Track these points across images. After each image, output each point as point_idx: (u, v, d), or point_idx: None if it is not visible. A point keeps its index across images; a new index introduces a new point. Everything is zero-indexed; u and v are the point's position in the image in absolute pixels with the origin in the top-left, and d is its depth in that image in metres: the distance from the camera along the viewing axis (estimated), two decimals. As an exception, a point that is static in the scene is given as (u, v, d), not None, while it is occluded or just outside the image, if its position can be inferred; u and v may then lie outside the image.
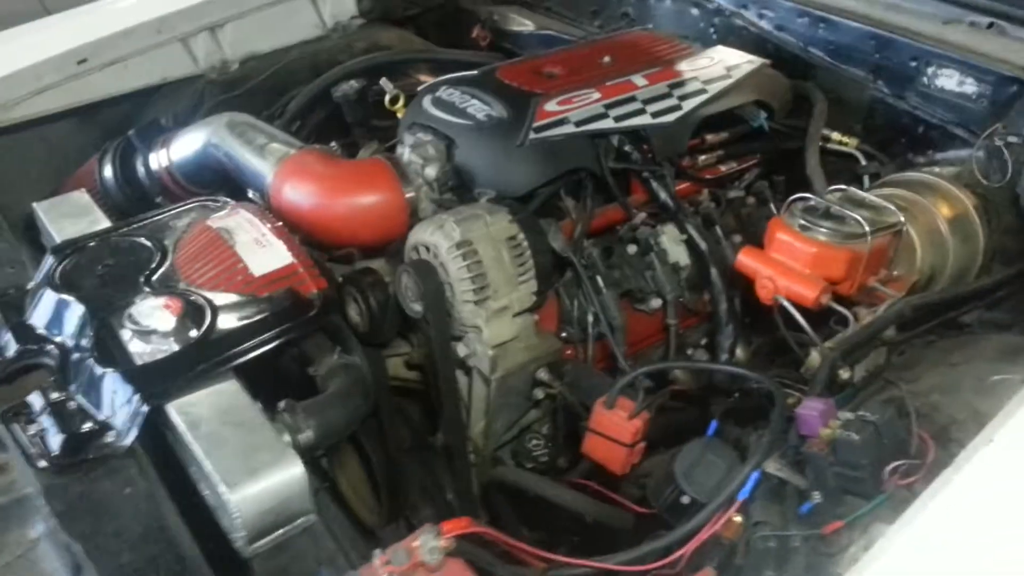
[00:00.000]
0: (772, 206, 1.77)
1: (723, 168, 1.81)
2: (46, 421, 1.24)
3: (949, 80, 1.72)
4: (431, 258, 1.41)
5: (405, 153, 1.60)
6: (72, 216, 1.62)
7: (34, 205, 1.66)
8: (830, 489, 1.11)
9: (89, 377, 1.26)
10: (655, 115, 1.66)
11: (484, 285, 1.39)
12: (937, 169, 1.67)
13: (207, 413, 1.19)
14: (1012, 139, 1.59)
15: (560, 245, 1.49)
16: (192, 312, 1.31)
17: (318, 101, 2.18)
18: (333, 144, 1.74)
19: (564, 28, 2.46)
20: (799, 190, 1.81)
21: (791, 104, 1.88)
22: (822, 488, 1.11)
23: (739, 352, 1.68)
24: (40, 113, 2.09)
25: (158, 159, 1.95)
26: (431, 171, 1.56)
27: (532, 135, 1.56)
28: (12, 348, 1.38)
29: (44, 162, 2.18)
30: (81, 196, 1.69)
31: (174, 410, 1.19)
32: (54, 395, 1.28)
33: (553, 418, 1.54)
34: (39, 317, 1.39)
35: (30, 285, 1.48)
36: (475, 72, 1.77)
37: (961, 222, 1.55)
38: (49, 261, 1.46)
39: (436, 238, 1.39)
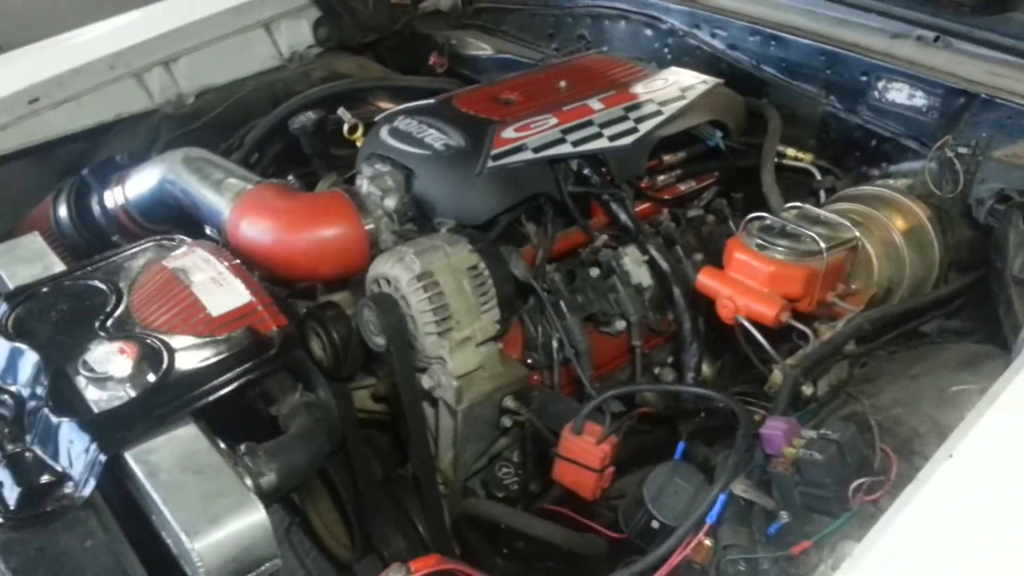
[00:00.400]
0: (731, 223, 1.79)
1: (682, 187, 1.83)
2: (2, 474, 1.21)
3: (899, 93, 1.76)
4: (392, 291, 1.40)
5: (364, 185, 1.59)
6: (25, 260, 1.59)
7: (-15, 250, 1.62)
8: (797, 508, 1.11)
9: (45, 427, 1.23)
10: (612, 138, 1.67)
11: (446, 316, 1.38)
12: (891, 182, 1.69)
13: (166, 460, 1.16)
14: (962, 150, 1.63)
15: (522, 272, 1.49)
16: (149, 356, 1.29)
17: (276, 132, 2.16)
18: (290, 177, 1.73)
19: (521, 51, 2.48)
20: (757, 206, 1.84)
21: (746, 122, 1.90)
22: (789, 507, 1.12)
23: (705, 370, 1.70)
24: (-4, 153, 2.06)
25: (113, 197, 1.93)
26: (390, 202, 1.55)
27: (490, 163, 1.56)
28: (-35, 400, 1.34)
29: (7, 202, 2.14)
30: (34, 239, 1.66)
31: (132, 458, 1.17)
32: (9, 447, 1.25)
33: (522, 445, 1.53)
34: (-8, 366, 1.36)
35: (-18, 334, 1.44)
36: (431, 101, 1.77)
37: (916, 234, 1.57)
38: (1, 308, 1.43)
39: (396, 271, 1.38)
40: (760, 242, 1.41)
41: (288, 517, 2.08)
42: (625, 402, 1.68)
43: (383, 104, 2.28)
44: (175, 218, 1.89)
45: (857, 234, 1.45)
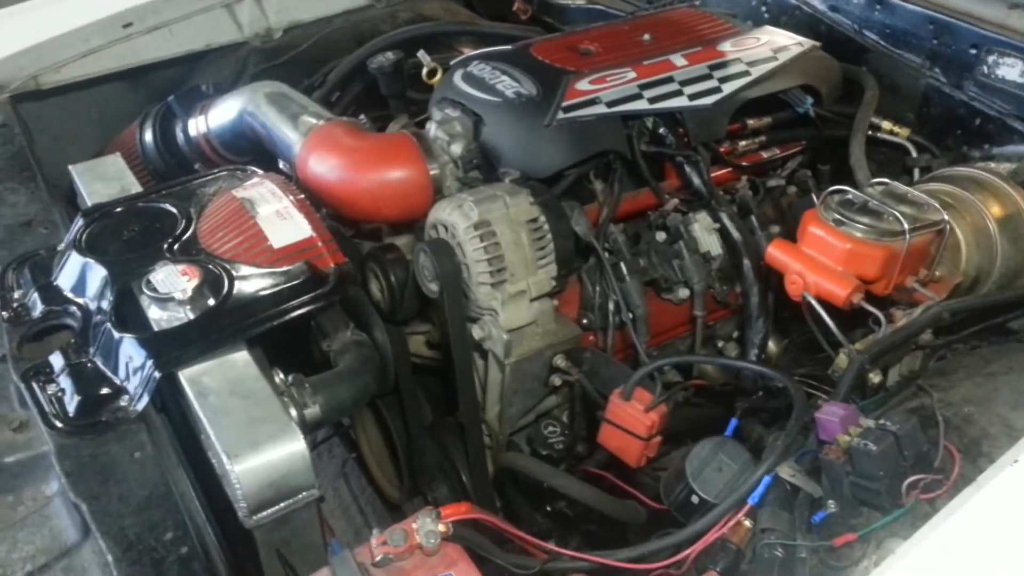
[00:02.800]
0: (814, 196, 1.70)
1: (764, 154, 1.74)
2: (64, 382, 1.26)
3: (1011, 70, 1.63)
4: (449, 238, 1.39)
5: (432, 129, 1.57)
6: (105, 179, 1.64)
7: (70, 167, 1.68)
8: (846, 499, 1.06)
9: (107, 341, 1.28)
10: (692, 97, 1.60)
11: (501, 268, 1.36)
12: (992, 165, 1.57)
13: (217, 383, 1.19)
14: (1076, 135, 1.50)
15: (583, 229, 1.45)
16: (210, 281, 1.32)
17: (357, 72, 2.16)
18: (362, 117, 1.72)
19: (613, 2, 2.40)
20: (845, 180, 1.75)
21: (841, 90, 1.80)
22: (838, 497, 1.07)
23: (771, 347, 1.63)
24: (87, 75, 2.12)
25: (196, 125, 1.97)
26: (456, 148, 1.53)
27: (560, 115, 1.52)
28: (39, 308, 1.40)
29: (90, 124, 2.22)
30: (115, 160, 1.71)
31: (185, 379, 1.20)
32: (74, 357, 1.30)
33: (571, 405, 1.51)
34: (65, 279, 1.41)
35: (60, 246, 1.50)
36: (509, 47, 1.73)
37: (1012, 222, 1.46)
38: (78, 224, 1.48)
39: (454, 218, 1.37)
40: (838, 217, 1.33)
41: (345, 454, 2.14)
42: (683, 373, 1.64)
43: (466, 49, 2.25)
44: (253, 150, 1.92)
45: (946, 217, 1.35)
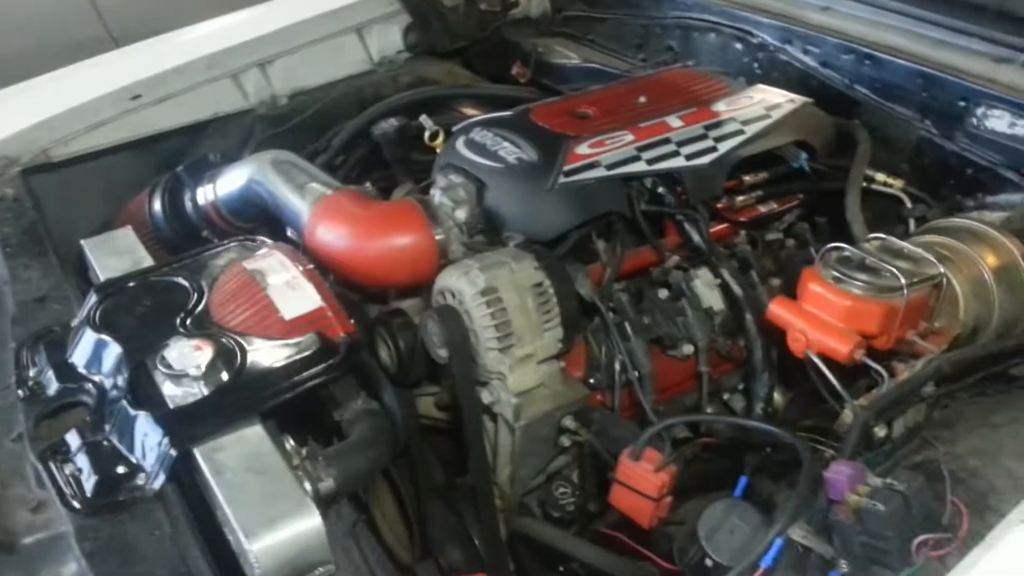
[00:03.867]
0: (813, 249, 1.73)
1: (762, 209, 1.78)
2: (81, 461, 1.28)
3: (1000, 121, 1.67)
4: (456, 304, 1.42)
5: (436, 195, 1.61)
6: (117, 254, 1.67)
7: (82, 242, 1.71)
8: (857, 559, 1.07)
9: (123, 418, 1.30)
10: (689, 157, 1.64)
11: (508, 333, 1.38)
12: (986, 214, 1.61)
13: (232, 459, 1.21)
14: (1067, 184, 1.53)
15: (587, 291, 1.48)
16: (223, 355, 1.34)
17: (360, 136, 2.21)
18: (368, 184, 1.76)
19: (608, 61, 2.46)
20: (842, 232, 1.78)
21: (835, 143, 1.84)
22: (849, 557, 1.08)
23: (776, 399, 1.65)
24: (96, 147, 2.16)
25: (205, 194, 2.01)
26: (461, 214, 1.57)
27: (562, 179, 1.55)
28: (54, 385, 1.42)
29: (99, 194, 2.25)
30: (127, 233, 1.75)
31: (200, 455, 1.22)
32: (90, 435, 1.31)
33: (580, 466, 1.52)
34: (79, 355, 1.43)
35: (74, 322, 1.52)
36: (508, 113, 1.77)
37: (1008, 272, 1.49)
38: (91, 300, 1.51)
39: (461, 285, 1.40)
40: (837, 274, 1.36)
41: (355, 514, 2.14)
42: (690, 429, 1.65)
43: (468, 111, 2.30)
44: (261, 217, 1.96)
45: (943, 270, 1.38)
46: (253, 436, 1.25)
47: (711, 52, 2.21)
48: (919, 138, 1.80)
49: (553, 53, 2.54)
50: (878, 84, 1.86)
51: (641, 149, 1.62)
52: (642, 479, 1.34)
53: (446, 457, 1.70)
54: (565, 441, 1.47)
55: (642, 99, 1.77)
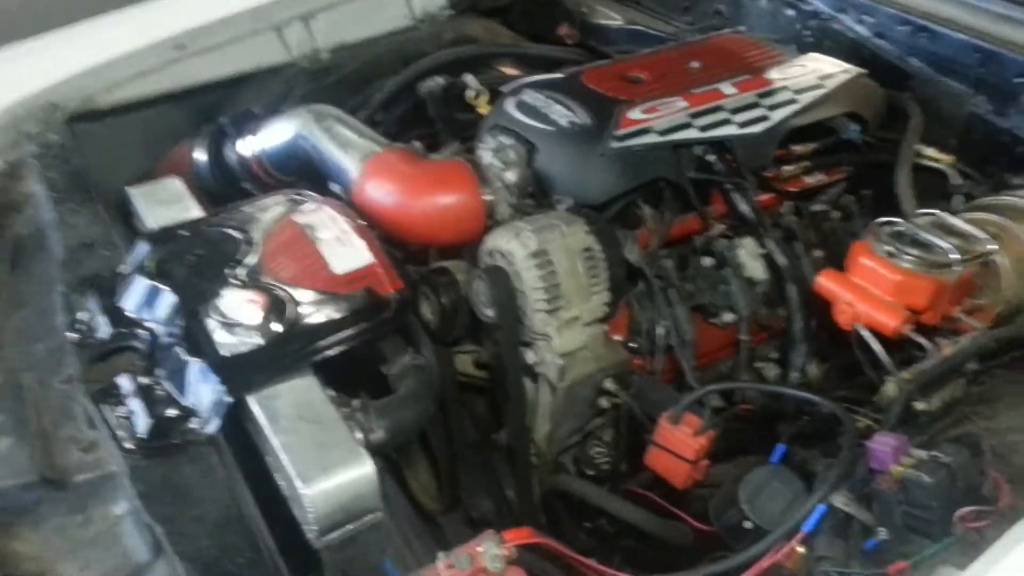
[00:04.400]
0: (858, 221, 1.73)
1: (809, 180, 1.77)
2: (134, 404, 1.31)
3: (1056, 100, 1.64)
4: (506, 265, 1.43)
5: (486, 156, 1.61)
6: (165, 203, 1.68)
7: (127, 190, 1.73)
8: (896, 527, 1.10)
9: (176, 364, 1.32)
10: (742, 125, 1.63)
11: (557, 295, 1.40)
12: (1035, 193, 1.59)
13: (286, 408, 1.23)
14: (1120, 165, 1.52)
15: (635, 257, 1.49)
16: (276, 307, 1.36)
17: (402, 93, 2.21)
18: (416, 143, 1.77)
19: (653, 23, 2.43)
20: (888, 206, 1.77)
21: (886, 115, 1.82)
22: (888, 525, 1.10)
23: (812, 370, 1.66)
24: (139, 96, 2.17)
25: (249, 146, 2.01)
26: (511, 176, 1.57)
27: (614, 144, 1.55)
28: (105, 330, 1.45)
29: (140, 144, 2.26)
30: (174, 183, 1.76)
31: (255, 402, 1.24)
32: (143, 379, 1.34)
33: (616, 426, 1.54)
34: (131, 302, 1.46)
35: (122, 268, 1.55)
36: (560, 75, 1.76)
37: (1054, 251, 1.48)
38: (143, 248, 1.53)
39: (512, 246, 1.41)
40: (889, 249, 1.36)
41: (380, 462, 2.17)
42: (721, 395, 1.67)
43: (508, 70, 2.29)
44: (304, 171, 1.96)
45: (995, 247, 1.38)
46: (306, 386, 1.27)
47: (761, 18, 2.18)
48: (970, 113, 1.78)
49: (596, 13, 2.51)
50: (932, 57, 1.84)
51: (694, 116, 1.61)
52: (680, 442, 1.37)
53: (479, 414, 1.73)
54: (604, 402, 1.49)
55: (694, 64, 1.75)
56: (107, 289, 1.51)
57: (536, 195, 1.59)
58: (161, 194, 1.72)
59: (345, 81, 2.32)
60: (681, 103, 1.64)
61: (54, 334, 1.49)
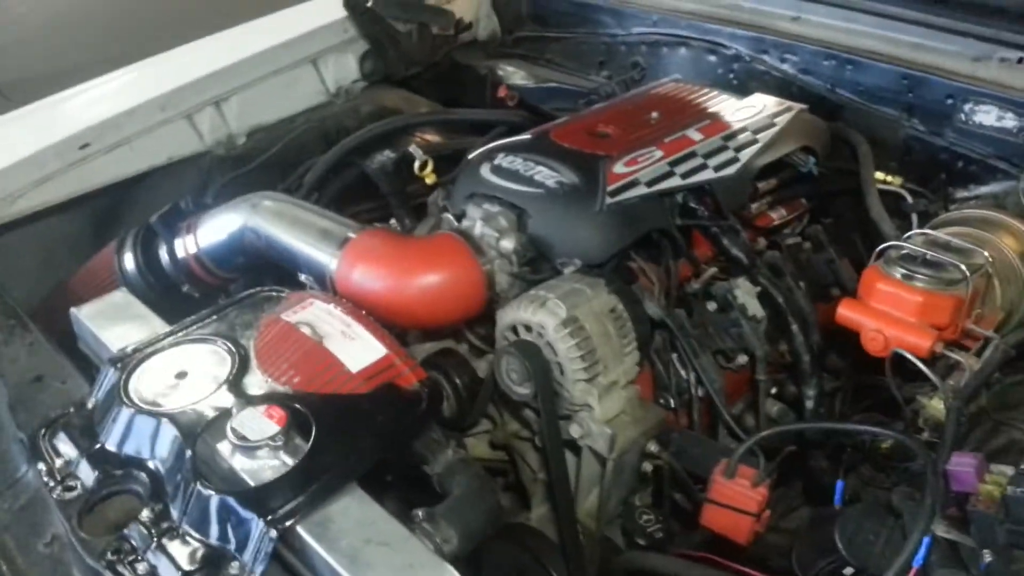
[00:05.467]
0: (831, 250, 1.78)
1: (774, 215, 1.81)
2: (157, 559, 1.12)
3: (988, 115, 1.77)
4: (534, 338, 1.35)
5: (477, 226, 1.54)
6: (120, 320, 1.50)
7: (73, 311, 1.52)
8: (999, 547, 1.09)
9: (197, 503, 1.15)
10: (717, 168, 1.65)
11: (595, 361, 1.34)
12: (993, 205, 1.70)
13: (344, 533, 1.09)
14: (1060, 170, 1.64)
15: (655, 311, 1.45)
16: (296, 419, 1.22)
17: (333, 171, 2.10)
18: (392, 222, 1.67)
19: (568, 80, 2.45)
20: (849, 232, 1.84)
21: (831, 147, 1.90)
22: (991, 546, 1.09)
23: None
24: (43, 204, 1.95)
25: (184, 245, 1.84)
26: (507, 243, 1.50)
27: (608, 199, 1.52)
28: (89, 475, 1.25)
29: (44, 256, 2.03)
30: (121, 296, 1.57)
31: (305, 532, 1.09)
32: (155, 527, 1.16)
33: (657, 489, 1.48)
34: (116, 439, 1.27)
35: (91, 402, 1.35)
36: (528, 137, 1.73)
37: (1029, 255, 1.58)
38: (112, 375, 1.34)
39: (540, 317, 1.33)
40: (904, 271, 1.39)
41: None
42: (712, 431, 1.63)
43: (428, 137, 2.24)
44: (251, 265, 1.82)
45: (989, 258, 1.45)
46: (358, 504, 1.14)
47: (682, 66, 2.24)
48: (907, 136, 1.89)
49: (510, 75, 2.51)
50: (861, 87, 1.94)
51: (673, 164, 1.61)
52: (740, 495, 1.32)
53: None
54: (647, 466, 1.43)
55: (654, 115, 1.76)
56: (79, 428, 1.31)
57: (535, 261, 1.53)
58: (111, 311, 1.52)
59: (269, 165, 2.18)
60: (657, 153, 1.64)
61: (22, 489, 1.27)
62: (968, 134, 1.80)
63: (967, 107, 1.79)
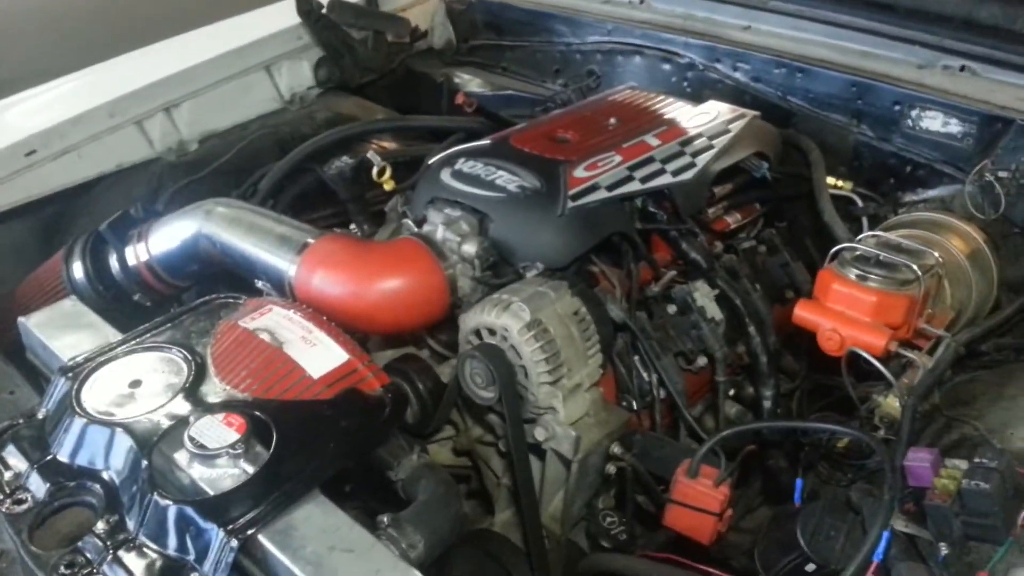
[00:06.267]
0: (785, 253, 1.81)
1: (729, 219, 1.84)
2: (112, 571, 1.09)
3: (933, 121, 1.82)
4: (498, 341, 1.35)
5: (439, 231, 1.53)
6: (71, 329, 1.45)
7: (21, 320, 1.48)
8: (955, 539, 1.12)
9: (155, 513, 1.12)
10: (675, 173, 1.67)
11: (559, 364, 1.34)
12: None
13: (307, 540, 1.07)
14: (1002, 174, 1.70)
15: (617, 313, 1.46)
16: (256, 427, 1.19)
17: (288, 177, 2.08)
18: (352, 227, 1.65)
19: (524, 87, 2.46)
20: (802, 236, 1.88)
21: (782, 152, 1.94)
22: (947, 539, 1.12)
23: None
24: (-11, 212, 1.89)
25: (135, 253, 1.80)
26: (469, 248, 1.50)
27: (570, 203, 1.53)
28: (39, 488, 1.21)
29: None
30: (71, 304, 1.53)
31: (268, 540, 1.07)
32: (111, 539, 1.12)
33: (620, 491, 1.49)
34: (69, 449, 1.23)
35: (41, 413, 1.31)
36: (487, 142, 1.73)
37: (977, 256, 1.63)
38: (64, 385, 1.30)
39: (505, 320, 1.33)
40: (858, 272, 1.42)
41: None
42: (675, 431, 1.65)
43: (385, 144, 2.23)
44: (205, 273, 1.79)
45: (940, 259, 1.48)
46: (321, 511, 1.12)
47: (637, 74, 2.27)
48: (856, 142, 1.94)
49: (465, 82, 2.51)
50: (811, 94, 1.99)
51: (632, 168, 1.63)
52: (702, 496, 1.34)
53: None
54: (611, 468, 1.43)
55: (613, 120, 1.78)
56: (29, 439, 1.26)
57: (497, 265, 1.52)
58: (61, 320, 1.48)
59: (221, 171, 2.15)
60: (616, 158, 1.65)
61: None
62: (915, 139, 1.85)
63: (914, 113, 1.84)
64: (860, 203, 1.86)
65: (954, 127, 1.80)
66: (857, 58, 1.95)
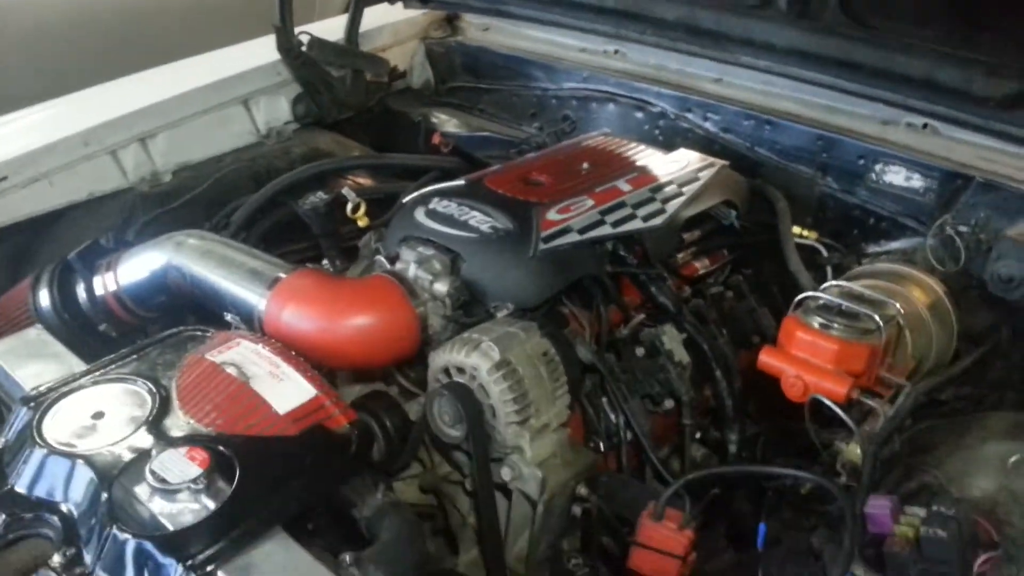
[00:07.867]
0: (751, 300, 1.84)
1: (698, 265, 1.87)
2: (66, 608, 1.07)
3: (897, 176, 1.88)
4: (467, 380, 1.35)
5: (410, 269, 1.54)
6: (35, 358, 1.44)
7: (-18, 348, 1.46)
8: (915, 586, 1.13)
9: (113, 548, 1.10)
10: (645, 219, 1.70)
11: (527, 404, 1.34)
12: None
13: (268, 578, 1.06)
14: (963, 228, 1.75)
15: (586, 355, 1.48)
16: (220, 462, 1.18)
17: (261, 211, 2.08)
18: (324, 263, 1.65)
19: (500, 129, 2.50)
20: (768, 283, 1.91)
21: (750, 202, 1.98)
22: (906, 586, 1.13)
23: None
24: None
25: (103, 283, 1.78)
26: (440, 287, 1.51)
27: (542, 245, 1.55)
28: (-4, 520, 1.18)
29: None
30: (39, 334, 1.52)
31: (227, 578, 1.06)
32: (67, 572, 1.10)
33: (585, 533, 1.49)
34: (27, 481, 1.21)
35: (1, 443, 1.29)
36: (462, 182, 1.75)
37: (937, 308, 1.66)
38: (25, 415, 1.28)
39: (474, 359, 1.34)
40: (821, 320, 1.45)
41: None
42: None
43: (360, 181, 2.25)
44: (173, 305, 1.78)
45: (901, 310, 1.52)
46: (283, 549, 1.11)
47: (611, 120, 2.31)
48: (822, 193, 1.99)
49: (443, 123, 2.55)
50: (779, 146, 2.04)
51: (603, 213, 1.66)
52: (667, 538, 1.34)
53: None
54: (576, 510, 1.43)
55: (585, 165, 1.81)
56: (-12, 471, 1.24)
57: (468, 304, 1.54)
58: (25, 349, 1.46)
59: (194, 203, 2.14)
60: (588, 202, 1.68)
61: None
62: (879, 192, 1.91)
63: (877, 167, 1.90)
64: (825, 253, 1.90)
65: (916, 182, 1.85)
66: (824, 113, 2.01)
